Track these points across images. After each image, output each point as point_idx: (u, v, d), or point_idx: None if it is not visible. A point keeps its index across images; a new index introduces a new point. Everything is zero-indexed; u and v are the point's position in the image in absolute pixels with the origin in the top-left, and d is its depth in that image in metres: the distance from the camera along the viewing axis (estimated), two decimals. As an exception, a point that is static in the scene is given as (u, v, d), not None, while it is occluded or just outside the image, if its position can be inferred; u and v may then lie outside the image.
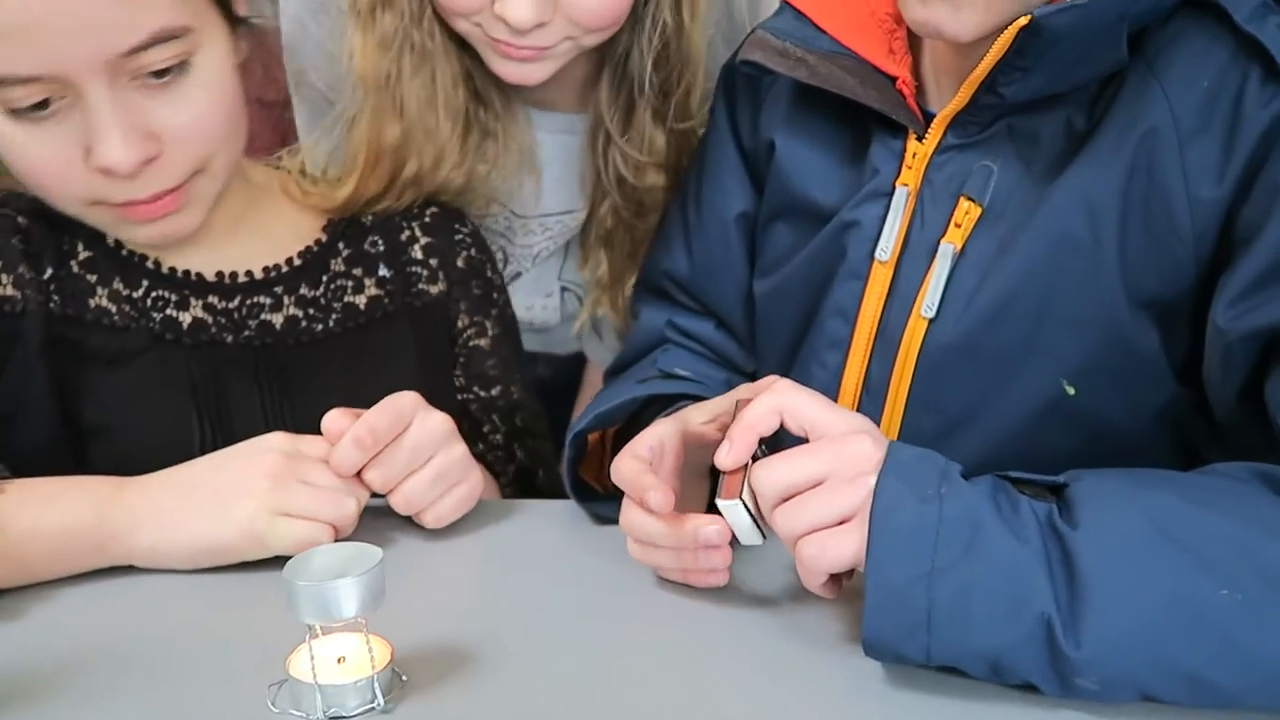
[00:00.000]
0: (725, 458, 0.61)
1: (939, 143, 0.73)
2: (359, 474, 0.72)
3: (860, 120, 0.77)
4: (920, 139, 0.74)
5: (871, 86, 0.74)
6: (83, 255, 0.82)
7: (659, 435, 0.68)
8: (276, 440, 0.72)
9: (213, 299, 0.84)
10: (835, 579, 0.60)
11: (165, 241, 0.81)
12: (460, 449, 0.75)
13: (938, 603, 0.53)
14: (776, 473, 0.58)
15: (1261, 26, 0.63)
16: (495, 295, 0.97)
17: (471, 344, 0.94)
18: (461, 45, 0.91)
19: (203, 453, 0.73)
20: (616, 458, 0.68)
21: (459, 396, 0.94)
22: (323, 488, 0.71)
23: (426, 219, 0.94)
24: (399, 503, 0.74)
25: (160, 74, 0.73)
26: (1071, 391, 0.70)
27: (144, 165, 0.74)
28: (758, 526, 0.61)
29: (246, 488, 0.69)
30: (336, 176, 0.93)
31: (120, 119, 0.72)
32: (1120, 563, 0.53)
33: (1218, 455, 0.69)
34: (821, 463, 0.57)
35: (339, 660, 0.57)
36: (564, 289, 1.14)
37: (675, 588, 0.68)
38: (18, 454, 0.74)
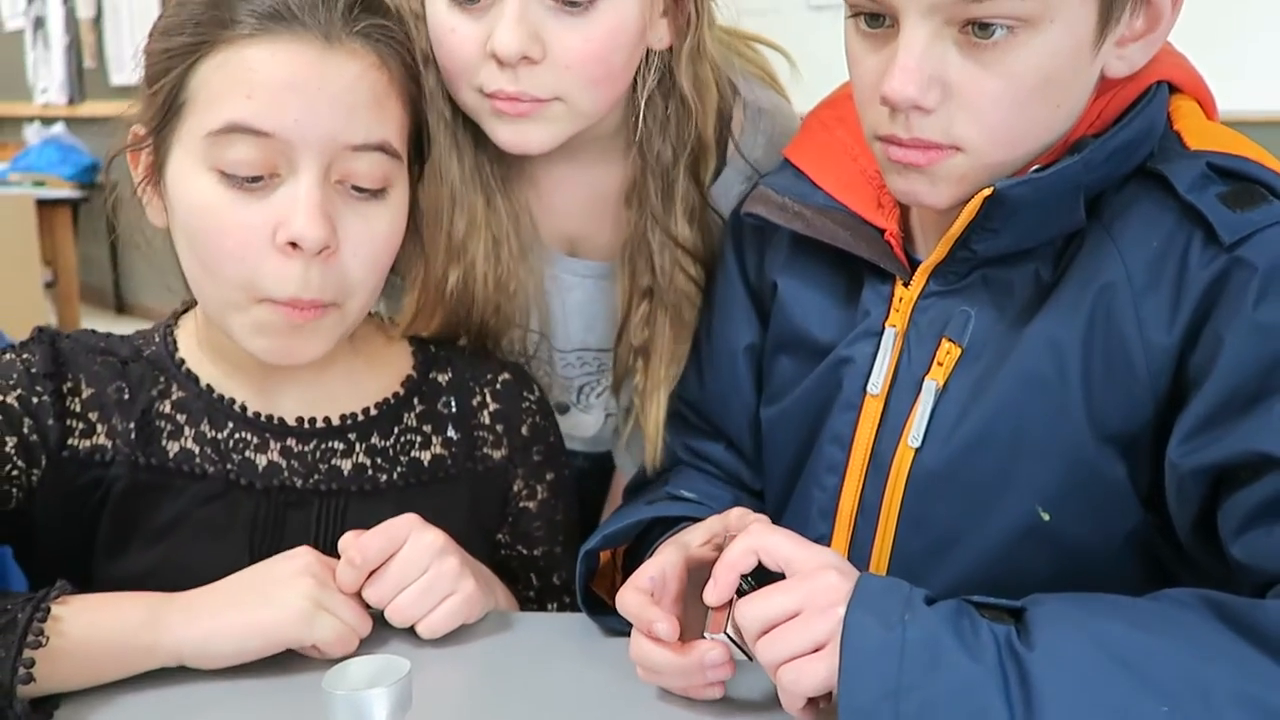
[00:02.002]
0: (710, 595, 0.69)
1: (923, 289, 0.81)
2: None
3: (853, 266, 0.85)
4: (906, 285, 0.82)
5: (862, 238, 0.83)
6: (176, 395, 0.88)
7: (660, 565, 0.75)
8: (307, 551, 0.81)
9: (290, 442, 0.89)
10: (813, 702, 0.66)
11: (283, 359, 0.83)
12: (452, 561, 0.81)
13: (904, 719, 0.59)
14: (756, 609, 0.66)
15: (1201, 196, 0.71)
16: (553, 459, 1.00)
17: (521, 505, 0.98)
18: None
19: None
20: (620, 590, 0.75)
21: (501, 552, 0.98)
22: (347, 600, 0.79)
23: (498, 385, 0.98)
24: (392, 616, 0.81)
25: (362, 192, 0.81)
26: (1047, 518, 0.76)
27: (321, 257, 0.78)
28: (743, 651, 0.68)
29: (292, 582, 0.77)
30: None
31: (320, 199, 0.78)
32: (1072, 682, 0.59)
33: (1187, 576, 0.76)
34: (795, 597, 0.65)
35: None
36: (608, 415, 1.19)
37: (678, 701, 0.74)
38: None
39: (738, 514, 0.78)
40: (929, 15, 0.69)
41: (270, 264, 0.78)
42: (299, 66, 0.77)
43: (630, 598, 0.74)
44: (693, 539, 0.78)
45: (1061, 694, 0.58)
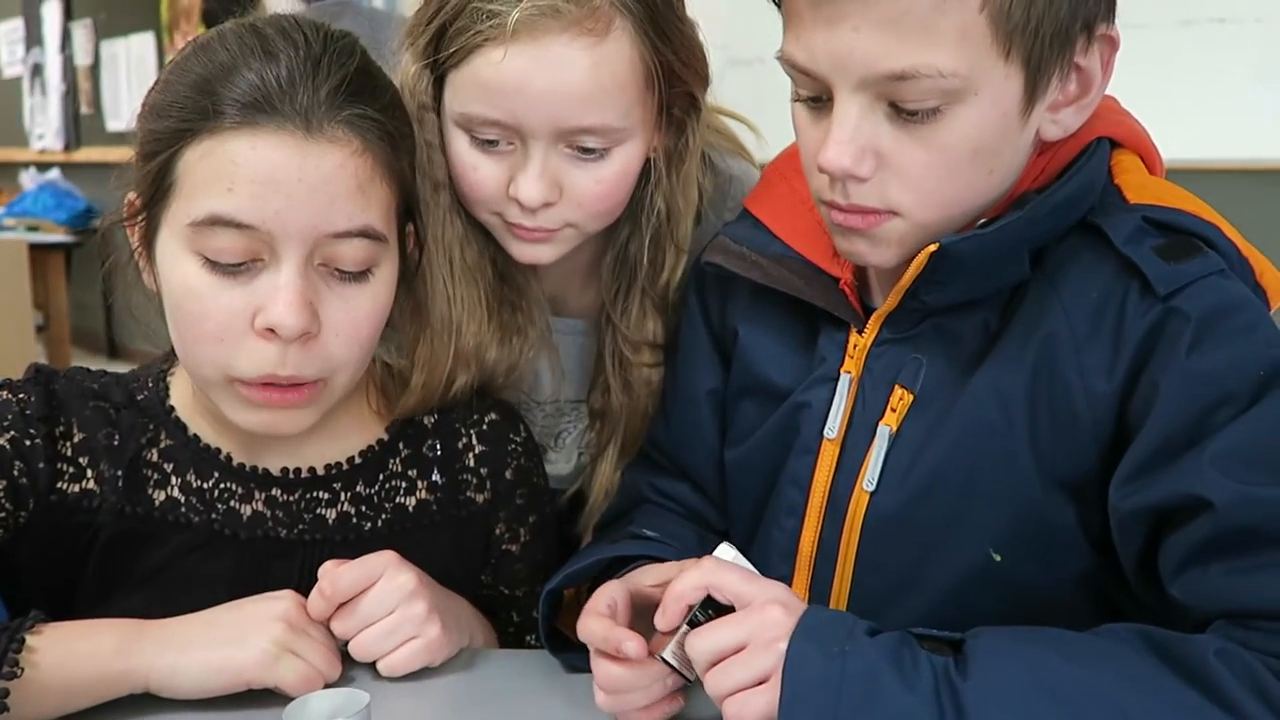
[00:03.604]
0: (659, 621, 0.71)
1: (876, 336, 0.84)
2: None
3: (810, 314, 0.88)
4: (861, 332, 0.84)
5: (817, 286, 0.86)
6: (164, 444, 0.89)
7: (610, 595, 0.77)
8: (289, 594, 0.82)
9: (275, 492, 0.90)
10: None
11: (270, 431, 0.84)
12: (421, 606, 0.83)
13: None
14: (705, 642, 0.68)
15: (1137, 249, 0.73)
16: (536, 501, 1.01)
17: (504, 548, 1.00)
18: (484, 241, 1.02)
19: None
20: (581, 619, 0.77)
21: (484, 591, 1.00)
22: (321, 642, 0.81)
23: (485, 426, 0.99)
24: (355, 650, 0.82)
25: (345, 275, 0.81)
26: (998, 559, 0.78)
27: (300, 340, 0.79)
28: (682, 674, 0.72)
29: (263, 625, 0.79)
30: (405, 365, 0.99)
31: (300, 288, 0.78)
32: (1004, 712, 0.61)
33: (1136, 615, 0.77)
34: (742, 631, 0.67)
35: (331, 796, 0.65)
36: (580, 454, 1.22)
37: None
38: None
39: (692, 563, 0.80)
40: (859, 91, 0.72)
41: (246, 346, 0.79)
42: (279, 159, 0.77)
43: (593, 623, 0.76)
44: (645, 579, 0.80)
45: None
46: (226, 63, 0.79)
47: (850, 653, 0.64)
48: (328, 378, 0.83)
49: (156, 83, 0.84)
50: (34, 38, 5.88)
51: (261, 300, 0.78)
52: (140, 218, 0.83)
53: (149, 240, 0.83)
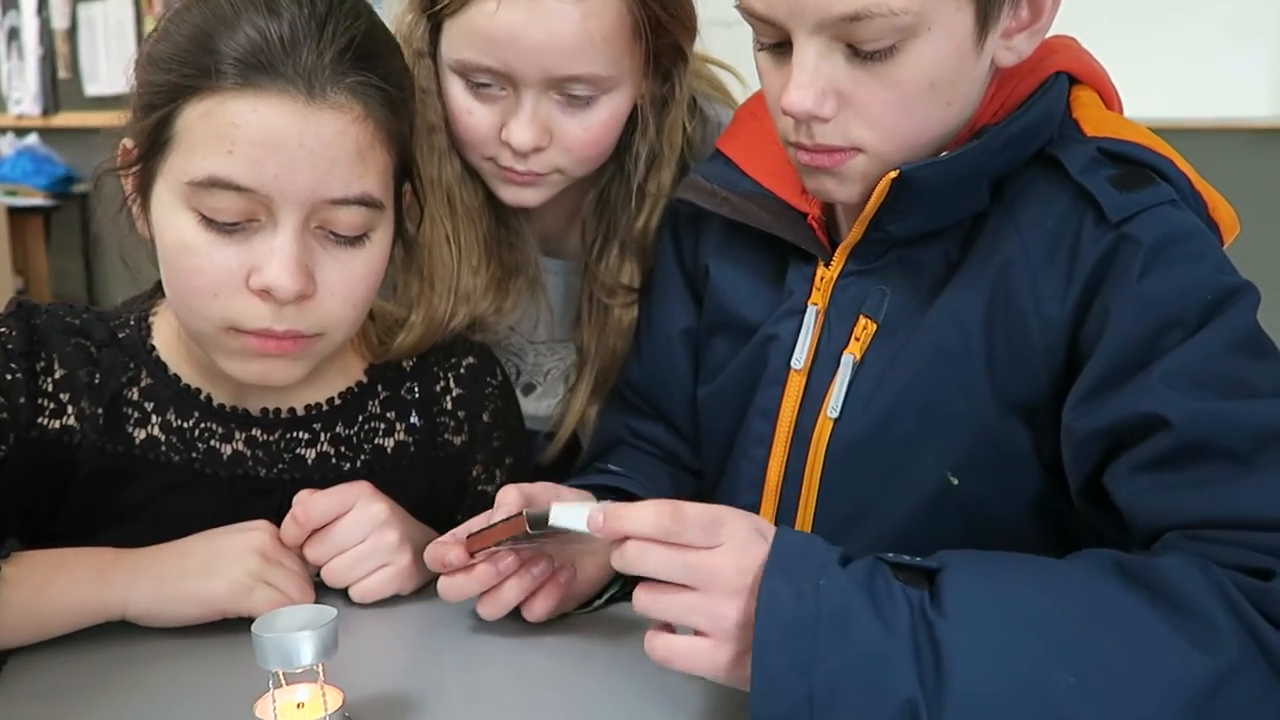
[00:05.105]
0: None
1: (842, 269, 0.86)
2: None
3: (779, 249, 0.90)
4: (827, 265, 0.87)
5: (786, 221, 0.88)
6: (145, 382, 0.90)
7: (507, 495, 0.83)
8: (264, 524, 0.85)
9: (255, 432, 0.91)
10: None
11: (262, 381, 0.85)
12: (392, 534, 0.85)
13: (817, 690, 0.61)
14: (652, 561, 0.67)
15: (1091, 179, 0.76)
16: (513, 443, 1.04)
17: (479, 488, 1.01)
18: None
19: None
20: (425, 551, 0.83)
21: None
22: (294, 571, 0.83)
23: (462, 370, 1.00)
24: (327, 576, 0.85)
25: (340, 238, 0.81)
26: (955, 482, 0.81)
27: (296, 299, 0.80)
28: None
29: (237, 557, 0.81)
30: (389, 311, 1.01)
31: (296, 253, 0.79)
32: (982, 648, 0.61)
33: (1087, 537, 0.80)
34: (700, 559, 0.66)
35: (298, 706, 0.67)
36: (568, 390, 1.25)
37: (585, 640, 0.80)
38: None
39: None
40: (816, 34, 0.74)
41: (242, 301, 0.80)
42: (280, 124, 0.76)
43: (429, 550, 0.82)
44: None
45: (971, 662, 0.61)
46: (228, 15, 0.78)
47: (825, 589, 0.63)
48: (324, 333, 0.84)
49: (155, 29, 0.83)
50: (10, 1, 5.81)
51: (257, 260, 0.79)
52: (135, 167, 0.83)
53: (144, 190, 0.83)
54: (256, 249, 0.79)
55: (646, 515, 0.66)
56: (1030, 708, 0.60)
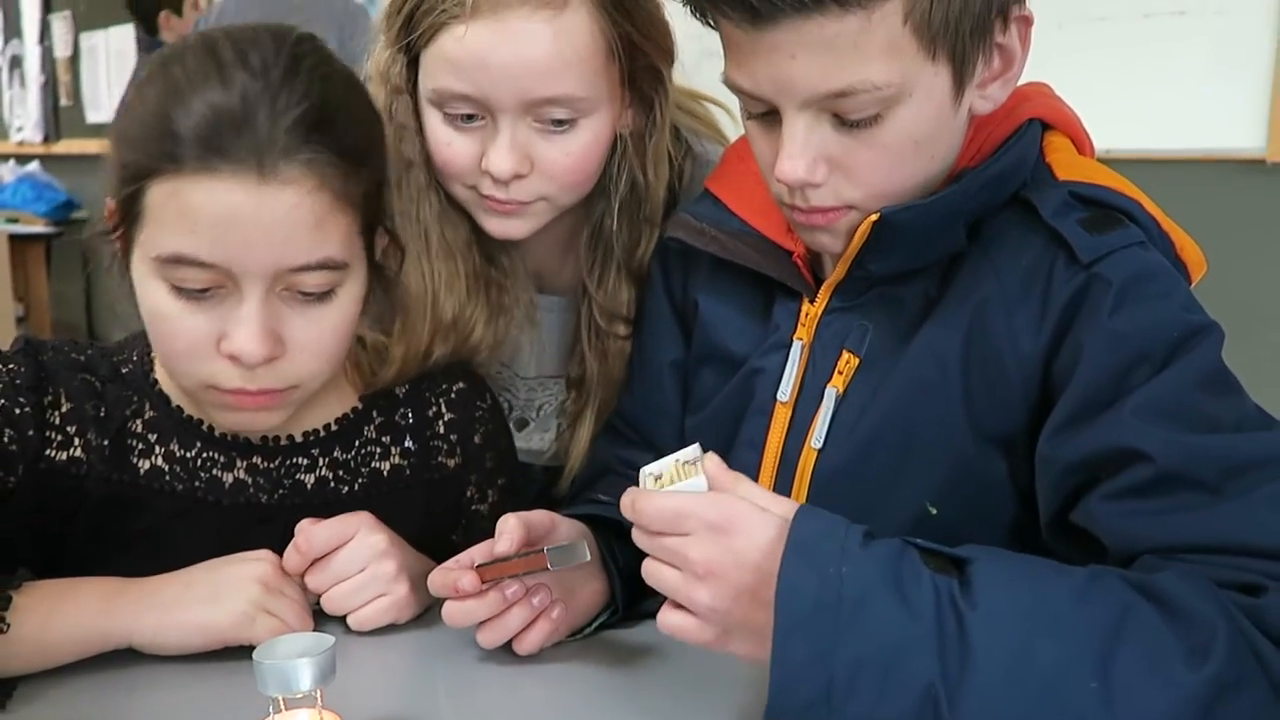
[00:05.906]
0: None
1: (826, 305, 0.89)
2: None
3: (766, 285, 0.93)
4: (812, 302, 0.90)
5: (772, 259, 0.91)
6: (148, 415, 0.93)
7: (507, 524, 0.84)
8: (266, 554, 0.87)
9: (256, 460, 0.94)
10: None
11: (246, 429, 0.90)
12: (391, 565, 0.88)
13: (837, 678, 0.62)
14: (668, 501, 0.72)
15: (1063, 221, 0.79)
16: (504, 464, 1.06)
17: (474, 509, 1.04)
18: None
19: None
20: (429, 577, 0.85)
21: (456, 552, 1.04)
22: (295, 600, 0.85)
23: (453, 395, 1.03)
24: (326, 605, 0.88)
25: (308, 295, 0.83)
26: (934, 512, 0.83)
27: (265, 362, 0.82)
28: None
29: (240, 586, 0.83)
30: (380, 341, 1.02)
31: (262, 319, 0.81)
32: (1008, 645, 0.63)
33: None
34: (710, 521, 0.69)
35: (297, 730, 0.69)
36: (560, 425, 1.26)
37: (580, 666, 0.82)
38: None
39: None
40: (804, 109, 0.77)
41: (217, 364, 0.83)
42: (236, 203, 0.78)
43: (433, 576, 0.84)
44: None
45: (997, 655, 0.63)
46: (183, 89, 0.79)
47: (847, 576, 0.64)
48: (299, 385, 0.87)
49: (122, 101, 0.85)
50: (12, 29, 5.87)
51: (226, 327, 0.81)
52: (118, 232, 0.85)
53: (125, 254, 0.85)
54: (226, 316, 0.81)
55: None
56: (1051, 708, 0.62)
